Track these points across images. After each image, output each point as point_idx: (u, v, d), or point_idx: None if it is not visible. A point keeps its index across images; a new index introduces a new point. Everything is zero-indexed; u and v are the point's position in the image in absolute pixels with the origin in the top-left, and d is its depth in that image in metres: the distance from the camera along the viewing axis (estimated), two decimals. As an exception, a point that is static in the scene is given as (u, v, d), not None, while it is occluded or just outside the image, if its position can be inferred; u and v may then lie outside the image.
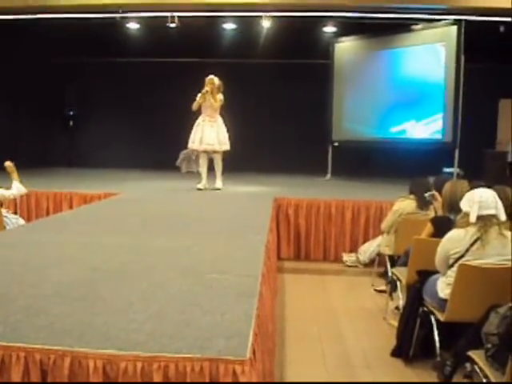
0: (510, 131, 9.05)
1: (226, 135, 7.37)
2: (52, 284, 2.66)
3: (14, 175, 5.35)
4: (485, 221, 3.20)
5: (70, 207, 6.64)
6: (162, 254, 3.46)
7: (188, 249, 3.60)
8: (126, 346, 1.89)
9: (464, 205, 3.30)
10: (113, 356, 1.83)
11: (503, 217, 3.22)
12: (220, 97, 7.27)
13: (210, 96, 7.18)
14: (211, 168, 7.51)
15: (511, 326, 2.51)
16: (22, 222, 5.36)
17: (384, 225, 5.39)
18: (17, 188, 5.32)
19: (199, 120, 7.34)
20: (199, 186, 7.38)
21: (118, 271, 2.97)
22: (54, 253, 3.41)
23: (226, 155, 7.50)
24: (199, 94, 7.22)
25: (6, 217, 5.13)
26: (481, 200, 3.20)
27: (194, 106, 7.23)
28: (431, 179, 5.23)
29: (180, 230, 4.47)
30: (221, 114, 7.41)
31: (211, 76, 7.28)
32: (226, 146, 7.37)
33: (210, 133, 7.25)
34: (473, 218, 3.19)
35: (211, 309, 2.31)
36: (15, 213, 5.83)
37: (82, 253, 3.42)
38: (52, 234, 4.11)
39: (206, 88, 7.17)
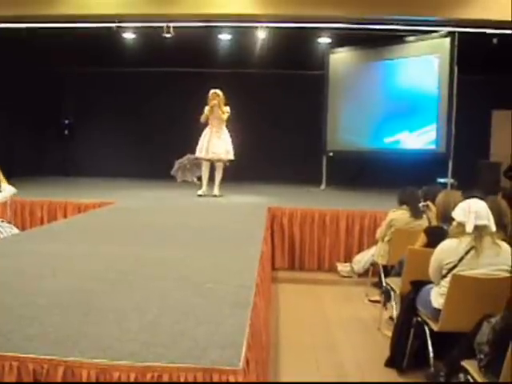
0: (504, 142, 9.10)
1: (231, 145, 7.74)
2: (46, 293, 2.66)
3: (0, 176, 5.34)
4: (479, 231, 3.22)
5: (65, 216, 6.63)
6: (156, 263, 3.45)
7: (182, 258, 3.60)
8: (120, 355, 1.88)
9: (458, 215, 3.31)
10: (106, 366, 1.83)
11: (493, 228, 3.25)
12: (227, 109, 7.65)
13: (218, 109, 7.51)
14: (211, 176, 7.81)
15: (501, 335, 2.51)
16: (16, 230, 5.34)
17: (378, 234, 5.47)
18: (7, 190, 5.31)
19: (206, 130, 7.70)
20: (199, 192, 7.72)
21: (113, 281, 2.96)
22: (48, 262, 3.40)
23: (227, 165, 7.81)
24: (207, 107, 7.56)
25: (-1, 226, 5.13)
26: (477, 210, 3.23)
27: (203, 119, 7.63)
28: (423, 189, 5.27)
29: (175, 239, 4.46)
30: (225, 125, 7.75)
31: (215, 90, 7.58)
32: (231, 156, 7.75)
33: (217, 142, 7.65)
34: (469, 228, 3.21)
35: (205, 319, 2.31)
36: (9, 222, 5.81)
37: (76, 262, 3.42)
38: (46, 244, 4.10)
39: (214, 101, 7.51)
